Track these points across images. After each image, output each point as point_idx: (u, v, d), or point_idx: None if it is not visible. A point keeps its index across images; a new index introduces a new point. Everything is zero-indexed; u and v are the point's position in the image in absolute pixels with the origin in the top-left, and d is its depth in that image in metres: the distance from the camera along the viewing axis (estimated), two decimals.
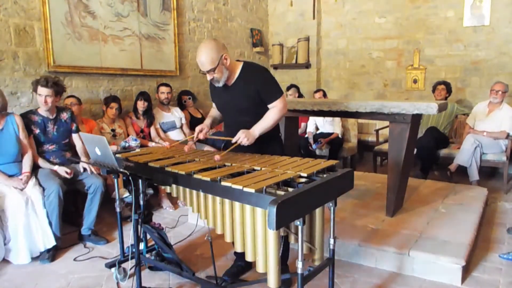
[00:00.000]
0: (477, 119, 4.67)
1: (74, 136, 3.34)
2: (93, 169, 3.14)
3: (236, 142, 2.21)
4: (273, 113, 2.28)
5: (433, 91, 5.07)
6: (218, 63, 2.18)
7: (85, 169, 3.19)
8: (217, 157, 2.11)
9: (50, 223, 2.87)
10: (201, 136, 2.36)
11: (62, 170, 3.11)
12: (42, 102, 3.09)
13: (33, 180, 2.97)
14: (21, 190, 2.87)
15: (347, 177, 1.91)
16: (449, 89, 4.97)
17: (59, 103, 3.33)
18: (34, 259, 2.83)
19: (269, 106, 2.30)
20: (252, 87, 2.26)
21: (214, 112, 2.58)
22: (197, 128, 2.38)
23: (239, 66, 2.32)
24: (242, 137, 2.19)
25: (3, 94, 2.93)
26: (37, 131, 3.17)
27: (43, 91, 3.05)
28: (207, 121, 2.51)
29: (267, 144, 2.35)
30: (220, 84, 2.29)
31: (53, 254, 2.88)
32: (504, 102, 4.54)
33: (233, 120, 2.42)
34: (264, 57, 6.65)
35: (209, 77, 2.25)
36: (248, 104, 2.30)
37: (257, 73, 2.31)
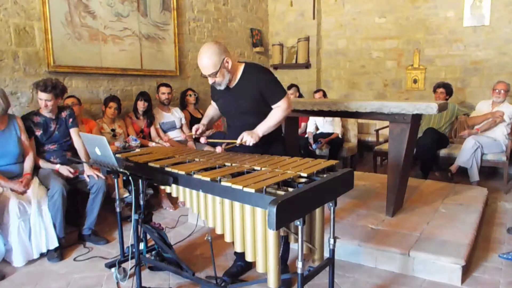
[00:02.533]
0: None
1: (72, 131, 3.27)
2: (99, 174, 3.11)
3: (240, 143, 2.20)
4: (276, 113, 2.26)
5: (434, 92, 5.06)
6: (220, 67, 2.16)
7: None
8: (218, 148, 2.23)
9: (54, 224, 2.87)
10: (197, 135, 2.40)
11: (65, 170, 3.11)
12: (42, 106, 3.12)
13: (37, 181, 2.97)
14: (22, 193, 2.86)
15: (347, 177, 1.91)
16: (449, 92, 4.91)
17: (60, 102, 3.33)
18: (37, 258, 2.82)
19: (273, 106, 2.28)
20: (255, 89, 2.24)
21: (211, 111, 2.57)
22: (194, 127, 2.42)
23: (241, 67, 2.30)
24: (246, 136, 2.18)
25: (5, 96, 2.93)
26: (40, 131, 3.17)
27: (42, 96, 3.06)
28: (204, 121, 2.50)
29: (270, 145, 2.34)
30: (222, 87, 2.28)
31: (61, 253, 2.89)
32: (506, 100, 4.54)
33: (236, 122, 2.41)
34: (264, 57, 6.65)
35: (210, 80, 2.24)
36: (251, 106, 2.29)
37: (259, 74, 2.29)
